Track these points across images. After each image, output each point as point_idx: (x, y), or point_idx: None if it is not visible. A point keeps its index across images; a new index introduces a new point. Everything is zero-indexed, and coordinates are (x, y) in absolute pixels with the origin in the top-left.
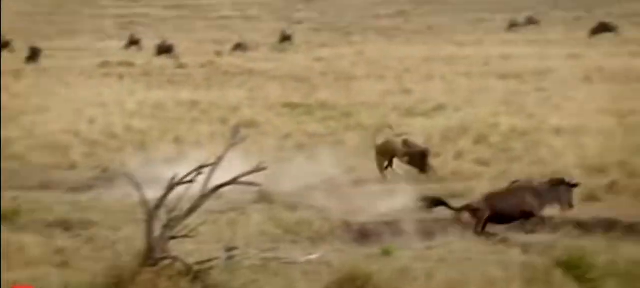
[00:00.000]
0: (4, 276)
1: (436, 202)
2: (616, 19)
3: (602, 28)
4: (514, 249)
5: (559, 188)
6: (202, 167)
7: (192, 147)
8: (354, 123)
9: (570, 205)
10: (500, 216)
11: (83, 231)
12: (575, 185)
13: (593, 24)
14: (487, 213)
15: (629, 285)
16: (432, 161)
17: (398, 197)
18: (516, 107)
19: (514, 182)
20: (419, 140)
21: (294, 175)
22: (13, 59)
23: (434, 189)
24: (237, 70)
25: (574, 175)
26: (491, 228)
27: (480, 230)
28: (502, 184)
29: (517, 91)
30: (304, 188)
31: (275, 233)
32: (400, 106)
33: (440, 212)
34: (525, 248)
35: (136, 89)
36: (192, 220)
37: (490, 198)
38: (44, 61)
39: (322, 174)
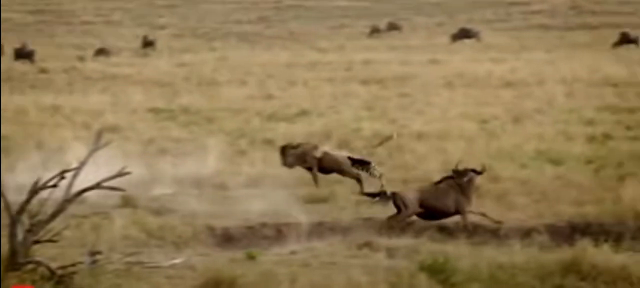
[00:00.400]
0: None
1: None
2: (477, 24)
3: (463, 34)
4: (379, 253)
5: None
6: (65, 171)
7: (54, 152)
8: (216, 128)
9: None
10: (429, 213)
11: None
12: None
13: (454, 29)
14: (415, 210)
15: None
16: None
17: (261, 201)
18: (379, 112)
19: (443, 179)
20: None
21: (158, 179)
22: None
23: (299, 193)
24: (100, 75)
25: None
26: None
27: (401, 223)
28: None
29: (379, 96)
30: (168, 192)
31: (139, 237)
32: (263, 111)
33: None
34: (390, 252)
35: None
36: (55, 225)
37: (421, 193)
38: None
39: (186, 179)
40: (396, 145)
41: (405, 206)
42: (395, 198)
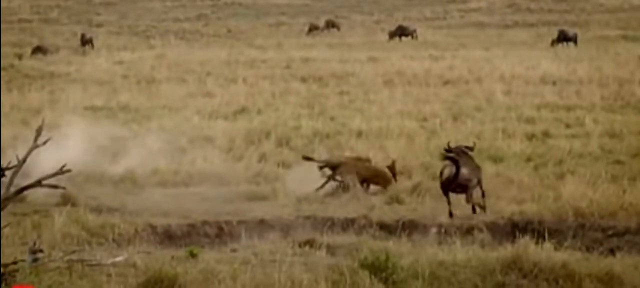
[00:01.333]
0: None
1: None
2: (415, 22)
3: (400, 31)
4: (320, 251)
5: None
6: (4, 169)
7: None
8: (156, 126)
9: None
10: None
11: None
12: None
13: (393, 27)
14: None
15: (434, 287)
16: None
17: (202, 199)
18: (318, 110)
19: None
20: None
21: (98, 177)
22: None
23: (240, 191)
24: (38, 73)
25: None
26: None
27: None
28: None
29: (318, 94)
30: (109, 190)
31: (81, 235)
32: (202, 109)
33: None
34: (331, 250)
35: None
36: None
37: None
38: None
39: (126, 177)
40: (335, 143)
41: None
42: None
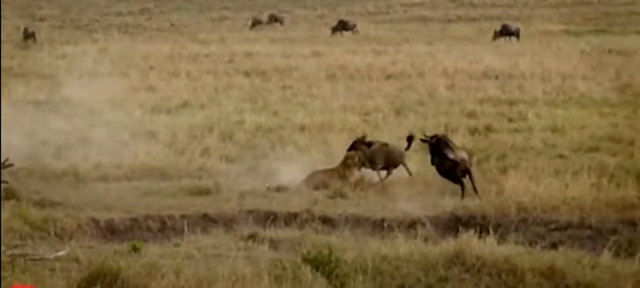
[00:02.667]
0: None
1: None
2: (357, 17)
3: (341, 26)
4: (263, 245)
5: None
6: None
7: None
8: (98, 120)
9: None
10: None
11: None
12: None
13: (336, 22)
14: None
15: (377, 281)
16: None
17: (144, 193)
18: (261, 104)
19: None
20: None
21: (40, 172)
22: None
23: (183, 185)
24: None
25: None
26: None
27: None
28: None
29: (261, 88)
30: (52, 184)
31: (23, 229)
32: (145, 103)
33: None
34: (274, 244)
35: None
36: None
37: None
38: None
39: (68, 171)
40: (278, 137)
41: None
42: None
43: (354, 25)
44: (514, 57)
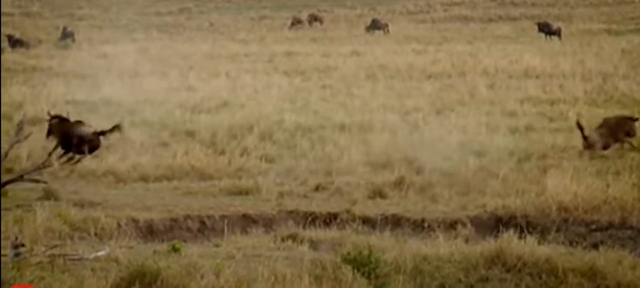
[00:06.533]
0: None
1: None
2: (397, 16)
3: (374, 25)
4: (302, 246)
5: None
6: None
7: None
8: (138, 120)
9: None
10: None
11: None
12: None
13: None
14: None
15: (417, 281)
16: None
17: (185, 194)
18: (301, 104)
19: None
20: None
21: (80, 171)
22: None
23: (222, 185)
24: (20, 67)
25: (360, 172)
26: None
27: None
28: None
29: (301, 88)
30: (91, 184)
31: (63, 230)
32: (185, 103)
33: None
34: (314, 244)
35: None
36: None
37: None
38: None
39: (108, 171)
40: (318, 137)
41: None
42: None
43: (386, 25)
44: (555, 57)
